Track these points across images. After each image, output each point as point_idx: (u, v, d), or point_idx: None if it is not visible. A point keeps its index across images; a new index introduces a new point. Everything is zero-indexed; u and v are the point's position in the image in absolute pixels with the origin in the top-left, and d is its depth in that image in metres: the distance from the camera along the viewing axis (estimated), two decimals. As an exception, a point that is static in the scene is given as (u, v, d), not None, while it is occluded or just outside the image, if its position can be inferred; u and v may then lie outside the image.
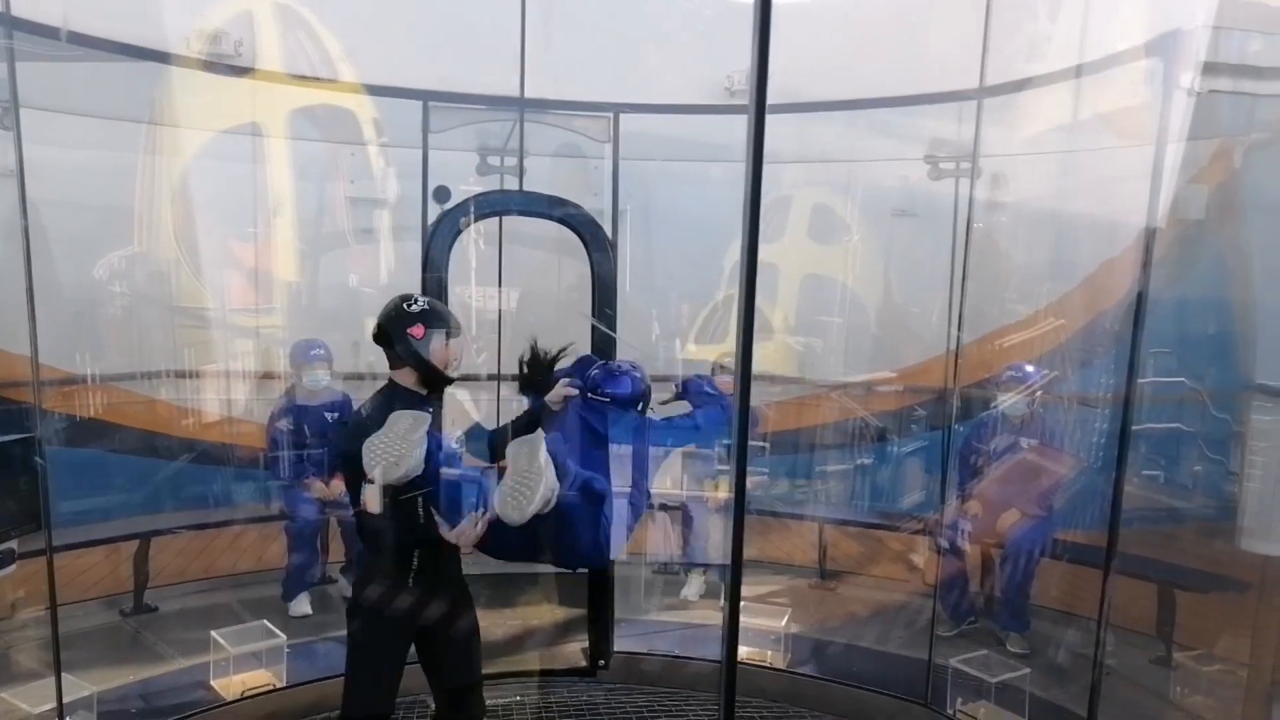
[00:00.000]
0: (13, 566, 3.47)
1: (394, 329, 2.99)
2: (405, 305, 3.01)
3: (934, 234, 5.29)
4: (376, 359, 3.15)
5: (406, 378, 3.02)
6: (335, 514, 5.22)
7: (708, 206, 5.57)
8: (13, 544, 3.44)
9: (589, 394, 3.40)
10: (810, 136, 5.46)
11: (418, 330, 2.98)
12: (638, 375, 3.52)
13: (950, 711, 3.98)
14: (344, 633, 4.67)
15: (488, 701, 3.68)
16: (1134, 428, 3.30)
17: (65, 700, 3.41)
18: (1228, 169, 4.23)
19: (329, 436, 5.21)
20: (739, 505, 1.60)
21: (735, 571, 1.45)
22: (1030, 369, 4.91)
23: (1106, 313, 4.26)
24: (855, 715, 4.17)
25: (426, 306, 3.03)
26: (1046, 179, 5.21)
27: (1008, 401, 4.82)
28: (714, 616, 4.91)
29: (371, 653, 3.08)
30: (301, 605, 5.02)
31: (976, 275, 4.53)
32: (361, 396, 5.26)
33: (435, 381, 3.06)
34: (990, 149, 4.72)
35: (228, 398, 5.64)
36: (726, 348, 5.65)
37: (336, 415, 5.28)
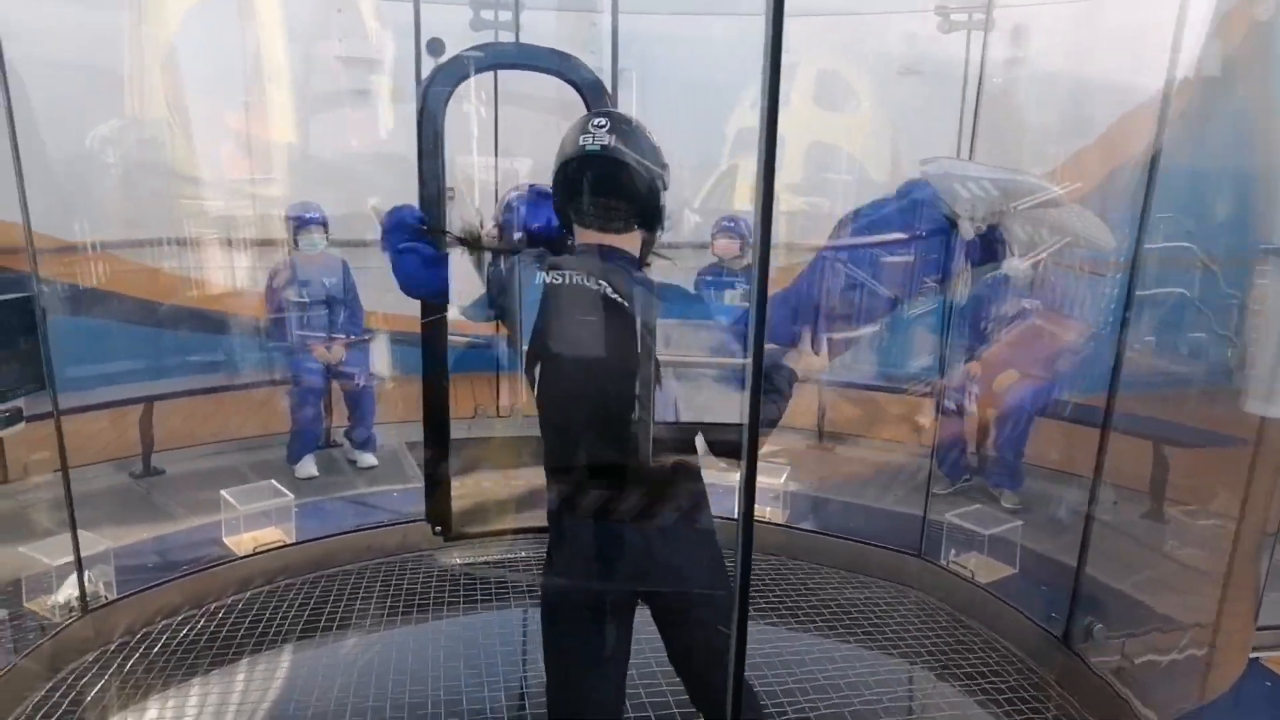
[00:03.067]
0: (20, 425, 3.50)
1: (659, 184, 2.07)
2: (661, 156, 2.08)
3: (943, 94, 5.10)
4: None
5: (632, 243, 2.09)
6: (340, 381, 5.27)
7: (710, 69, 5.36)
8: (19, 403, 3.45)
9: None
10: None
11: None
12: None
13: (944, 562, 4.10)
14: (349, 492, 4.87)
15: (499, 557, 3.76)
16: (1140, 293, 3.26)
17: (83, 555, 3.51)
18: (1250, 21, 4.03)
19: (328, 301, 5.19)
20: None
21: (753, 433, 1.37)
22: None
23: (1120, 172, 4.15)
24: (851, 566, 4.30)
25: None
26: (1064, 30, 4.98)
27: (1009, 263, 4.76)
28: (716, 476, 4.99)
29: None
30: (307, 467, 5.12)
31: (987, 136, 4.40)
32: (358, 264, 5.26)
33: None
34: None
35: (227, 265, 5.57)
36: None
37: (335, 280, 5.26)
